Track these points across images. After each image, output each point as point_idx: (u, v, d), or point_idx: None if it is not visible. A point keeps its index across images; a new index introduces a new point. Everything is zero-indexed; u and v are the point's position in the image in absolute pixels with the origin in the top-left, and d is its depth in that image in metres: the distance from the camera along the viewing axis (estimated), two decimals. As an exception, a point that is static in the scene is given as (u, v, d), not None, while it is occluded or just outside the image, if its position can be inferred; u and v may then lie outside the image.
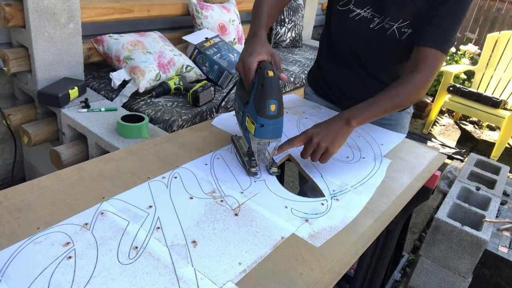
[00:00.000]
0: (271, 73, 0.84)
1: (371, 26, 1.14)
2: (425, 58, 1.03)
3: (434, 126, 3.80)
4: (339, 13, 1.17)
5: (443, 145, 3.42)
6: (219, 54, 2.17)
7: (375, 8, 1.12)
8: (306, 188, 1.41)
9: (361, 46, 1.20)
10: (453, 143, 3.50)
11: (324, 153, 0.92)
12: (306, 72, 2.66)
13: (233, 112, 1.25)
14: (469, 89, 3.35)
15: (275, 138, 0.86)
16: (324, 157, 0.93)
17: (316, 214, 0.82)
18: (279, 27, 3.08)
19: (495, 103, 3.21)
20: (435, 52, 1.03)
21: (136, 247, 0.67)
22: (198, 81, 2.09)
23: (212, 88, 1.92)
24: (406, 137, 1.26)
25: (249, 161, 0.93)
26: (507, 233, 1.72)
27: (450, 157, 3.20)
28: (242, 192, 0.85)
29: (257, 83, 0.86)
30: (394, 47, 1.15)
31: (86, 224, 0.70)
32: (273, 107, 0.82)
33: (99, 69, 2.08)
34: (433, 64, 1.03)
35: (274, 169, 0.93)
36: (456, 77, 3.90)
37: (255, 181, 0.90)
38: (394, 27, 1.11)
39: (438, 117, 4.01)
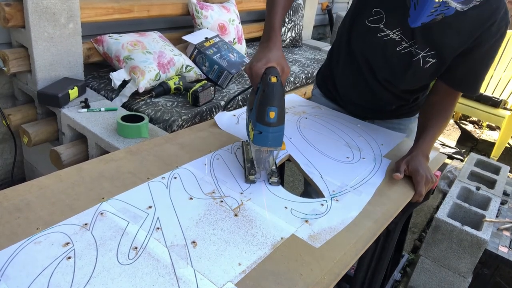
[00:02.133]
0: (274, 79, 0.81)
1: (397, 48, 1.11)
2: (456, 96, 1.15)
3: (434, 126, 3.79)
4: (366, 28, 1.13)
5: (443, 145, 3.42)
6: (219, 54, 2.17)
7: (405, 31, 1.07)
8: (311, 189, 1.41)
9: (381, 64, 1.18)
10: (453, 143, 3.50)
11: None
12: (306, 72, 2.66)
13: (234, 112, 1.25)
14: (469, 89, 3.35)
15: (274, 146, 0.83)
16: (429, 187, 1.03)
17: (316, 214, 0.82)
18: (279, 27, 3.08)
19: (495, 103, 3.21)
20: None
21: (136, 248, 0.67)
22: (198, 81, 2.09)
23: (212, 88, 1.92)
24: (406, 137, 1.26)
25: (250, 168, 0.91)
26: (507, 233, 1.72)
27: (450, 157, 3.19)
28: (241, 193, 0.85)
29: (260, 88, 0.84)
30: (415, 73, 1.14)
31: (85, 224, 0.70)
32: (272, 114, 0.79)
33: (99, 69, 2.08)
34: (459, 96, 1.17)
35: (274, 179, 0.90)
36: (456, 77, 3.89)
37: (255, 182, 0.90)
38: (420, 55, 1.09)
39: (438, 117, 4.01)
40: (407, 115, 1.34)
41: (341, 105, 1.38)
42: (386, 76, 1.20)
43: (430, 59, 1.09)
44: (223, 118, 1.18)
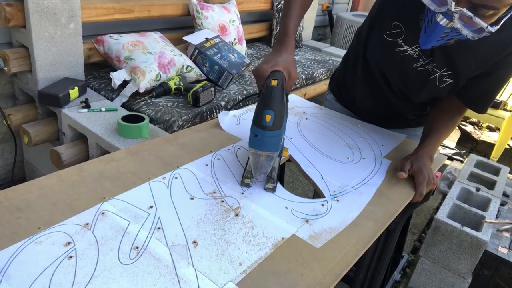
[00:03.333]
0: (274, 83, 0.80)
1: (414, 65, 1.09)
2: (466, 109, 1.16)
3: (434, 127, 3.80)
4: (383, 41, 1.10)
5: (443, 146, 3.42)
6: (220, 55, 2.17)
7: (424, 49, 1.05)
8: None
9: (396, 78, 1.16)
10: (453, 144, 3.50)
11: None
12: (306, 72, 2.66)
13: (234, 112, 1.25)
14: (469, 90, 3.35)
15: (270, 151, 0.80)
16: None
17: (317, 215, 0.82)
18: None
19: (494, 104, 3.21)
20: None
21: (137, 247, 0.67)
22: (198, 81, 2.09)
23: (212, 89, 1.93)
24: (406, 137, 1.26)
25: (248, 171, 0.89)
26: (507, 234, 1.72)
27: (450, 158, 3.20)
28: (242, 193, 0.86)
29: (261, 91, 0.84)
30: (430, 91, 1.12)
31: (87, 224, 0.70)
32: (268, 118, 0.77)
33: (99, 69, 2.08)
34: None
35: (270, 185, 0.88)
36: (456, 78, 3.90)
37: (255, 182, 0.90)
38: (437, 74, 1.07)
39: (438, 118, 4.01)
40: (422, 124, 1.32)
41: (356, 112, 1.37)
42: (401, 89, 1.18)
43: (447, 79, 1.07)
44: (225, 118, 1.18)
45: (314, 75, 2.71)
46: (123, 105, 1.79)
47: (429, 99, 1.19)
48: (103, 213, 0.73)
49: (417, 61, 1.08)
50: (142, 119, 1.51)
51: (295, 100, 1.45)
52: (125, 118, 1.50)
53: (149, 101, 1.85)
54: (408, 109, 1.25)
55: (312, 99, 2.12)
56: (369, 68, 1.22)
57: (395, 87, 1.19)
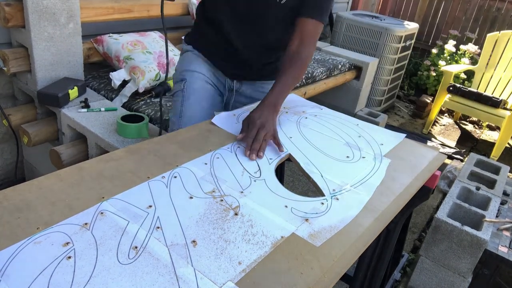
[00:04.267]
0: None
1: None
2: (308, 30, 1.21)
3: (434, 126, 3.79)
4: None
5: (443, 145, 3.42)
6: (219, 54, 2.17)
7: None
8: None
9: (246, 11, 1.26)
10: (453, 143, 3.49)
11: (266, 136, 1.04)
12: (305, 72, 2.65)
13: (233, 112, 1.25)
14: (469, 88, 3.35)
15: None
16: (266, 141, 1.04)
17: (316, 213, 0.82)
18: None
19: (495, 103, 3.20)
20: (314, 22, 1.21)
21: (136, 247, 0.66)
22: (198, 81, 2.08)
23: (212, 88, 1.92)
24: (406, 137, 1.26)
25: None
26: (507, 233, 1.72)
27: (450, 157, 3.19)
28: (242, 192, 0.85)
29: None
30: (277, 13, 1.23)
31: (85, 224, 0.70)
32: None
33: (99, 69, 2.08)
34: (315, 35, 1.23)
35: None
36: (456, 77, 3.90)
37: (255, 181, 0.90)
38: None
39: (438, 117, 4.01)
40: (272, 76, 1.37)
41: (211, 59, 1.42)
42: (255, 29, 1.28)
43: None
44: (222, 118, 1.18)
45: (314, 74, 2.71)
46: (123, 105, 1.79)
47: (281, 27, 1.27)
48: (102, 213, 0.73)
49: None
50: (142, 118, 1.51)
51: (295, 99, 1.45)
52: (124, 118, 1.50)
53: (148, 100, 1.84)
54: (257, 56, 1.35)
55: (311, 98, 2.11)
56: (212, 23, 1.34)
57: (250, 30, 1.29)
